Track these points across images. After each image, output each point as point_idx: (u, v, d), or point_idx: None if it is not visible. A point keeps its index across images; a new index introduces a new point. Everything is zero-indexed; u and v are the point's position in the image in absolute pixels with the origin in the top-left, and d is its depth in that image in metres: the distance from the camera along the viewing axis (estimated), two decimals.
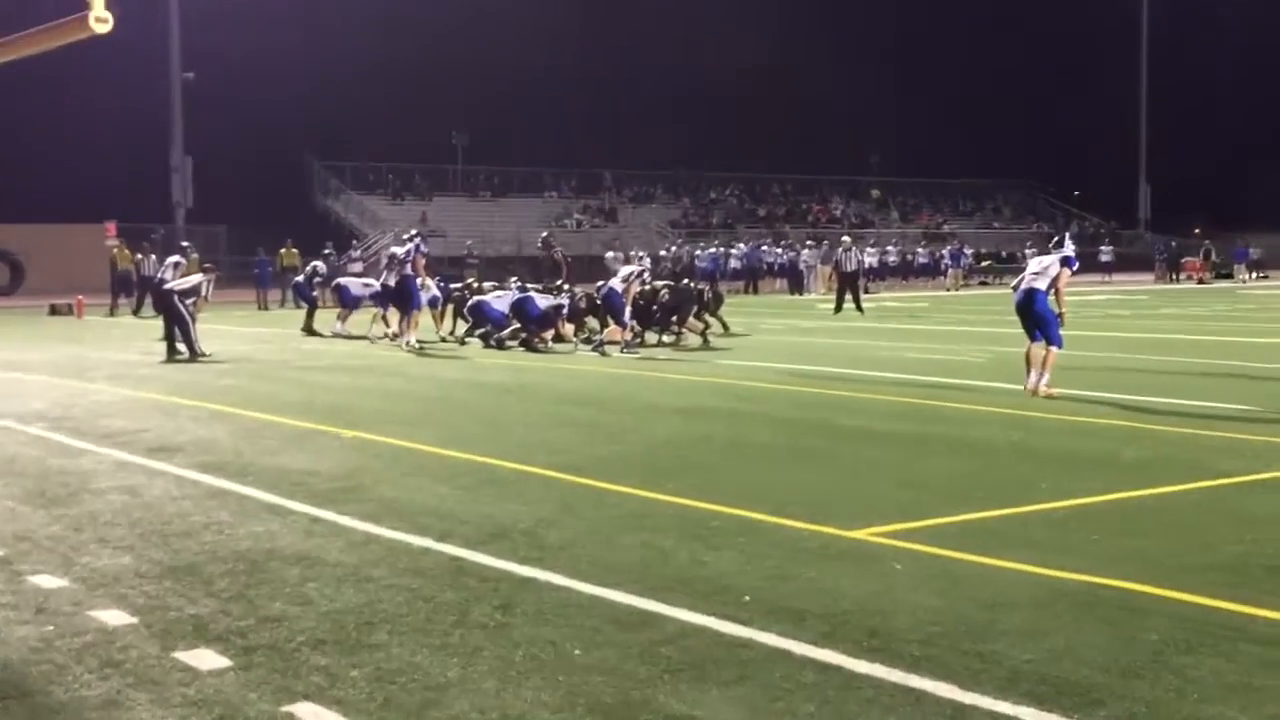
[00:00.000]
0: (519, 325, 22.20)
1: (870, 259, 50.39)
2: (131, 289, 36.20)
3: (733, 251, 52.39)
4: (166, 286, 21.24)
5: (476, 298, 23.44)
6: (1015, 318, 14.80)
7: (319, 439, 11.49)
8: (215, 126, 57.51)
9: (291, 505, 8.52)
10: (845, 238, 37.78)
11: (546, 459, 10.24)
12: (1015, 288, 14.78)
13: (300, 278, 29.22)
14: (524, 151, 68.29)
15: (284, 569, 6.89)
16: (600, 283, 23.77)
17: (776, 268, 51.77)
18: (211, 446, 11.12)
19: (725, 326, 24.96)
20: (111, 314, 35.78)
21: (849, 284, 34.14)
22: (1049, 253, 14.97)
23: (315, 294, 28.00)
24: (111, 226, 41.98)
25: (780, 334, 25.87)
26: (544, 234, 32.34)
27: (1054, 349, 14.15)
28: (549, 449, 10.77)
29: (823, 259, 47.32)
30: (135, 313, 34.86)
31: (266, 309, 38.78)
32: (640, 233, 65.12)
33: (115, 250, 37.25)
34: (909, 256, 58.70)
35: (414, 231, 24.23)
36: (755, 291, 48.64)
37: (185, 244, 27.69)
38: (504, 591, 6.41)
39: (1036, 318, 14.34)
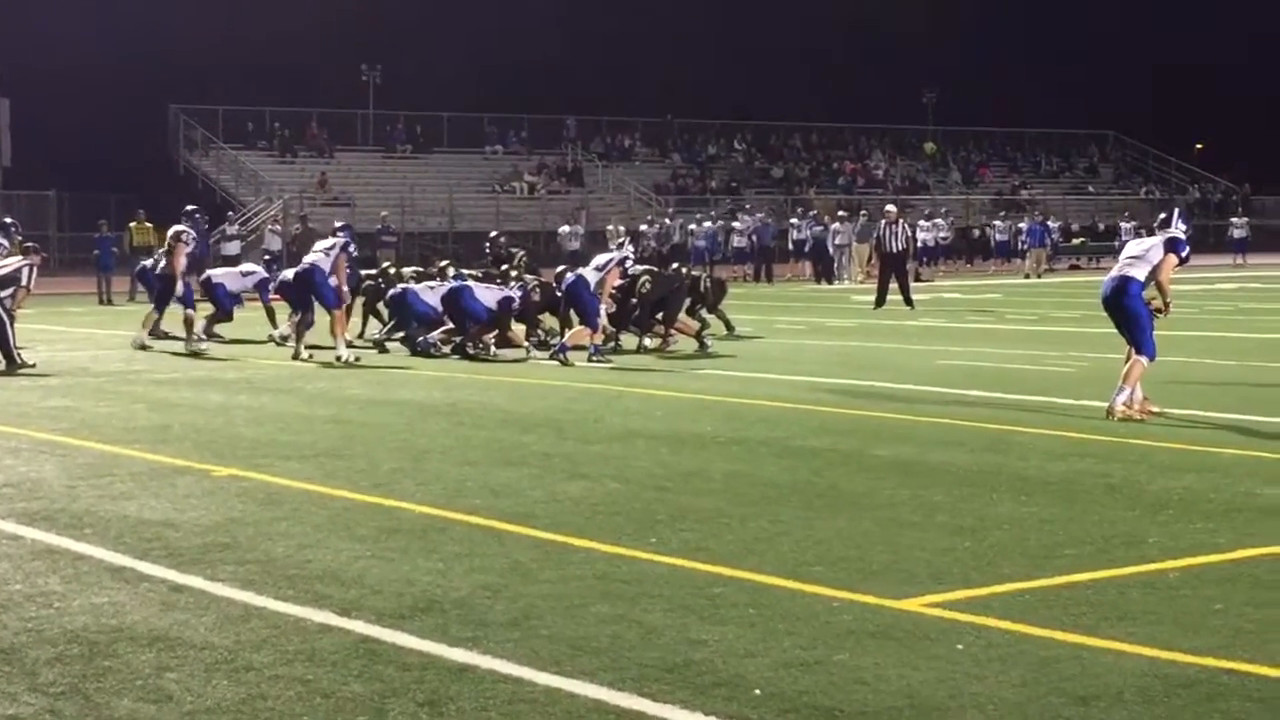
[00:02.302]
0: (453, 325, 22.19)
1: (923, 235, 50.53)
2: None
3: (737, 225, 52.49)
4: None
5: (401, 286, 23.42)
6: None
7: (182, 479, 11.46)
8: (40, 58, 57.36)
9: (145, 568, 8.50)
10: (890, 207, 37.94)
11: (488, 504, 10.23)
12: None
13: (148, 260, 28.15)
14: (457, 91, 68.24)
15: (135, 654, 6.87)
16: (562, 268, 23.79)
17: (798, 247, 51.95)
18: (37, 489, 11.07)
19: (728, 325, 25.04)
20: None
21: (894, 268, 34.23)
22: (1154, 233, 15.05)
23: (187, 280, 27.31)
24: None
25: (801, 335, 25.92)
26: (492, 233, 32.30)
27: (1142, 359, 14.20)
28: (492, 490, 10.76)
29: (859, 235, 47.45)
30: None
31: (110, 302, 38.76)
32: (614, 200, 65.42)
33: None
34: (974, 232, 58.90)
35: (341, 224, 24.15)
36: (769, 279, 48.80)
37: (8, 220, 27.20)
38: (431, 684, 6.41)
39: (1124, 315, 14.41)
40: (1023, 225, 56.19)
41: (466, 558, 8.66)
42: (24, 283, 20.87)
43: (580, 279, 21.51)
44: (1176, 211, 15.78)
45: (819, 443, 13.01)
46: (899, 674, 6.47)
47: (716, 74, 76.43)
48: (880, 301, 33.06)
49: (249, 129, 65.85)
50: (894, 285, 33.55)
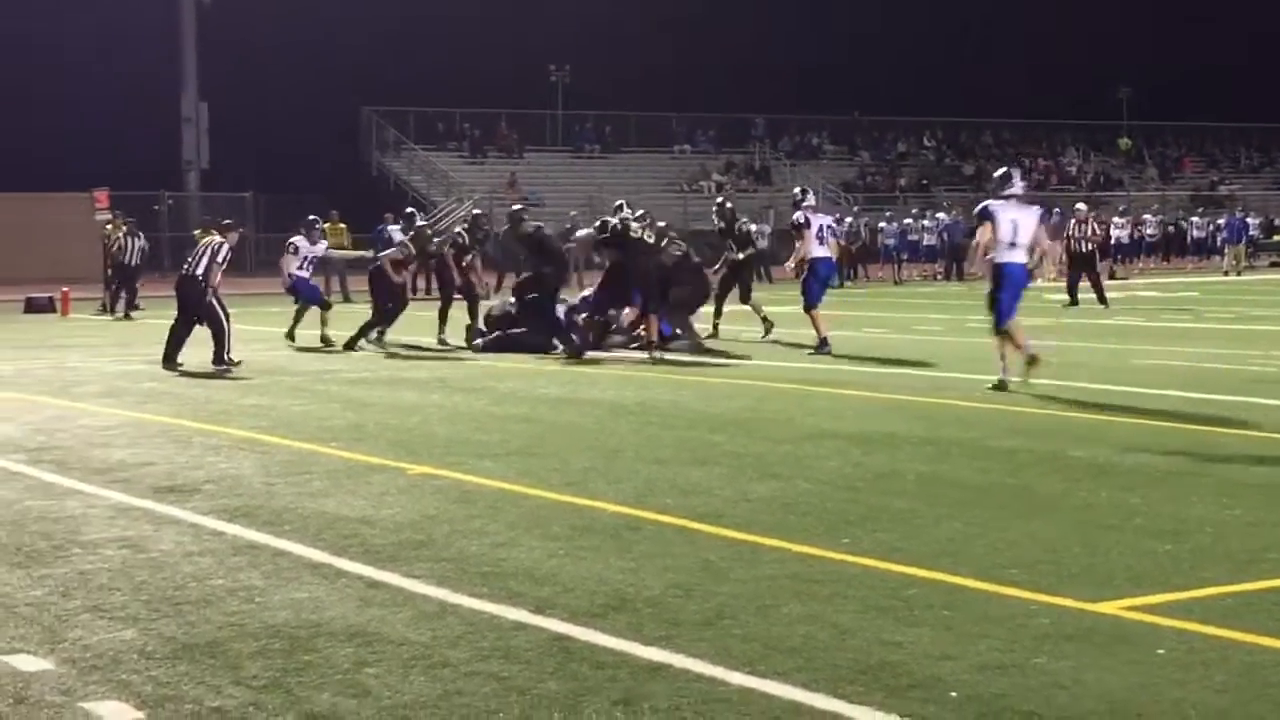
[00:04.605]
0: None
1: (1119, 232, 49.76)
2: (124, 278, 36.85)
3: (926, 224, 52.01)
4: (196, 274, 21.24)
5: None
6: None
7: (377, 476, 11.63)
8: (238, 65, 58.52)
9: (343, 564, 8.64)
10: (1080, 205, 37.44)
11: (680, 503, 10.26)
12: None
13: (298, 268, 26.03)
14: (645, 90, 68.35)
15: (334, 649, 6.99)
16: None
17: None
18: (237, 486, 11.31)
19: (766, 324, 24.69)
20: (107, 310, 36.51)
21: (1085, 267, 33.91)
22: None
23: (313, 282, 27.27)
24: (103, 195, 42.59)
25: (990, 335, 25.59)
26: (719, 198, 32.48)
27: None
28: (682, 489, 10.79)
29: (1052, 233, 46.78)
30: (110, 309, 35.69)
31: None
32: None
33: (109, 227, 37.81)
34: (1171, 228, 57.83)
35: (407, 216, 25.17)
36: (959, 276, 48.27)
37: (226, 220, 26.88)
38: (625, 683, 6.43)
39: None
40: (1220, 221, 55.09)
41: (658, 557, 8.69)
42: (218, 259, 21.16)
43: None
44: None
45: (1013, 443, 12.87)
46: (1098, 678, 6.38)
47: (905, 70, 75.84)
48: (1073, 300, 32.78)
49: (439, 130, 66.60)
50: (1087, 284, 33.21)
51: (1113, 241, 50.12)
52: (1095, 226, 35.40)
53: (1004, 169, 18.41)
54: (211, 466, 12.22)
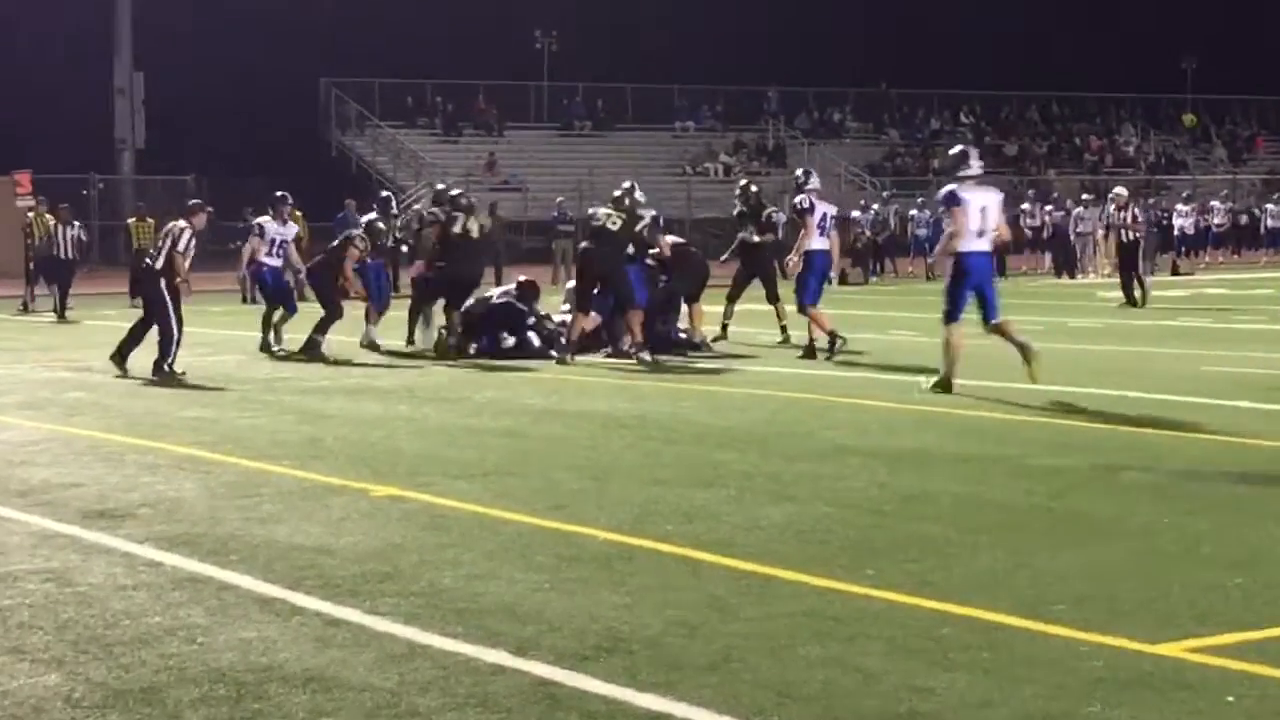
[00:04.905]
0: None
1: (1182, 221, 49.80)
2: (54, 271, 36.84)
3: None
4: (156, 266, 21.04)
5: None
6: None
7: (337, 499, 11.63)
8: (177, 29, 58.44)
9: (297, 599, 8.64)
10: (1119, 189, 37.40)
11: (681, 529, 10.26)
12: None
13: (267, 254, 25.42)
14: (642, 60, 68.43)
15: (287, 696, 6.98)
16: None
17: (1035, 235, 51.45)
18: (177, 510, 11.30)
19: (785, 331, 24.65)
20: (25, 309, 36.54)
21: (1127, 259, 34.00)
22: None
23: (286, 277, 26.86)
24: (24, 178, 42.64)
25: (1039, 338, 25.51)
26: (743, 180, 32.39)
27: None
28: (685, 514, 10.79)
29: (1108, 222, 46.93)
30: (28, 307, 35.64)
31: (255, 301, 39.30)
32: (822, 183, 64.77)
33: (32, 215, 37.84)
34: (1242, 217, 57.83)
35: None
36: (1001, 272, 48.23)
37: (193, 200, 25.60)
38: None
39: None
40: None
41: (657, 591, 8.68)
42: (179, 247, 20.93)
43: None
44: None
45: (1061, 461, 12.87)
46: None
47: (937, 37, 75.85)
48: (1129, 298, 32.84)
49: (409, 105, 66.61)
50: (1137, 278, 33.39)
51: (1175, 232, 50.19)
52: (1136, 213, 35.38)
53: (960, 148, 18.88)
54: (147, 488, 12.20)
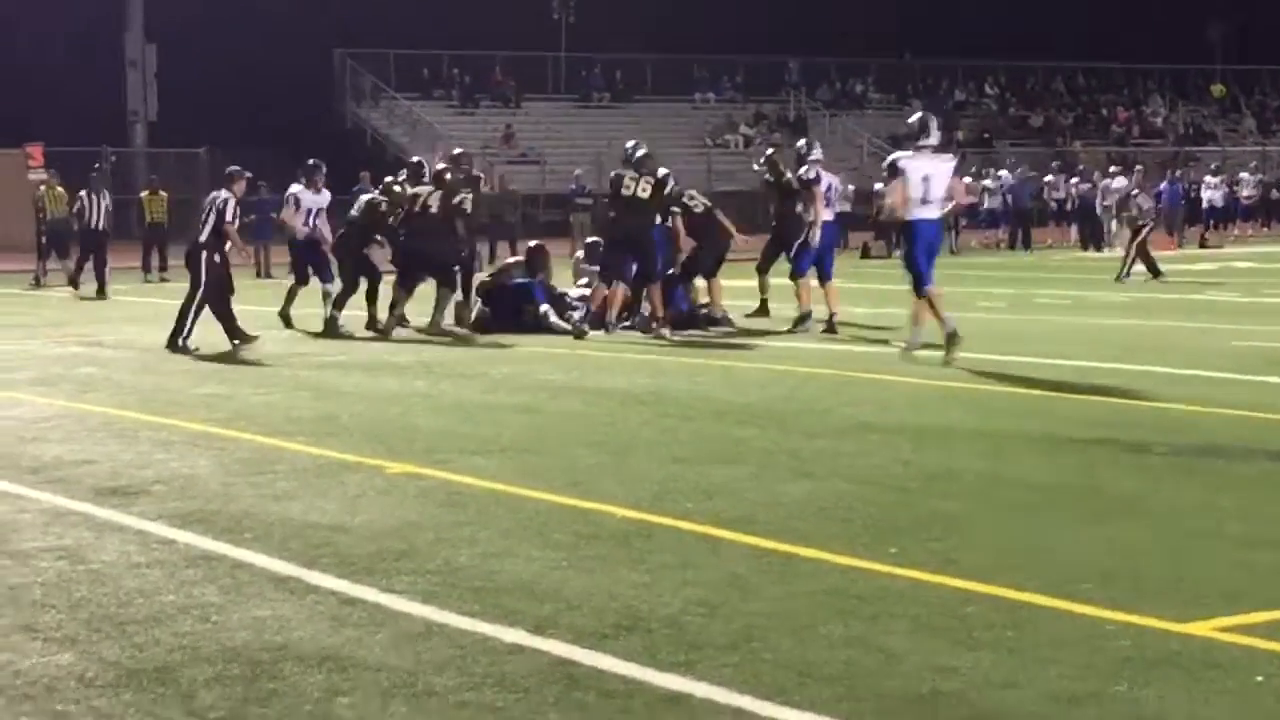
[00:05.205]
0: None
1: (1211, 193, 49.68)
2: (67, 246, 36.80)
3: (988, 184, 51.82)
4: (200, 240, 21.20)
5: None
6: None
7: (352, 476, 11.64)
8: (189, 4, 58.38)
9: (312, 578, 8.64)
10: (1113, 168, 37.21)
11: (701, 507, 10.26)
12: None
13: (304, 224, 24.86)
14: (662, 31, 68.28)
15: (302, 676, 6.99)
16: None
17: (1060, 208, 51.29)
18: (191, 487, 11.31)
19: (763, 304, 24.42)
20: (37, 284, 36.56)
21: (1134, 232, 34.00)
22: None
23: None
24: (36, 150, 42.66)
25: (1064, 311, 25.62)
26: (769, 150, 32.05)
27: None
28: (705, 491, 10.79)
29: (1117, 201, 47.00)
30: (73, 282, 35.52)
31: (269, 276, 39.38)
32: (844, 154, 64.77)
33: (44, 187, 37.82)
34: (1272, 190, 57.70)
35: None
36: (1027, 246, 48.24)
37: (232, 167, 24.53)
38: (638, 714, 6.43)
39: None
40: None
41: (677, 569, 8.68)
42: (226, 218, 21.01)
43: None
44: None
45: (1086, 437, 12.84)
46: (1187, 710, 6.38)
47: (961, 6, 75.57)
48: (1154, 271, 32.65)
49: (424, 76, 66.53)
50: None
51: (1204, 205, 50.07)
52: (1138, 183, 35.19)
53: (920, 115, 19.51)
54: (161, 465, 12.22)
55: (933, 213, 18.10)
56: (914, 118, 19.29)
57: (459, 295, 23.60)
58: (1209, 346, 19.60)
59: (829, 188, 22.72)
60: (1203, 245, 47.77)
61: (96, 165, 37.19)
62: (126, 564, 9.04)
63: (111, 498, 10.95)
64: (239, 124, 55.95)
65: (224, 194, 21.33)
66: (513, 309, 22.83)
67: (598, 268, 23.21)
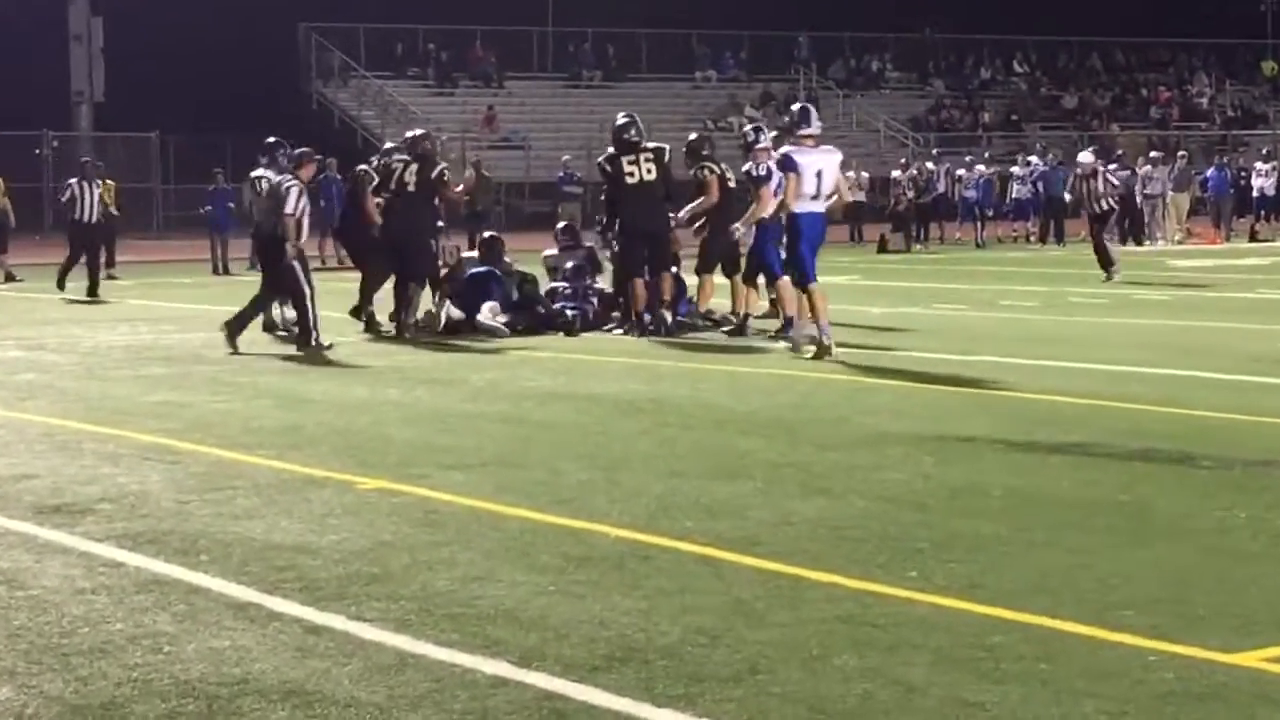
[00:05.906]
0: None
1: (1261, 181, 49.66)
2: (4, 239, 36.83)
3: (1017, 171, 51.81)
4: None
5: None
6: None
7: (319, 492, 11.64)
8: None
9: (275, 604, 8.65)
10: (1085, 155, 36.94)
11: (701, 526, 10.27)
12: None
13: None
14: (659, 3, 68.24)
15: (263, 711, 6.99)
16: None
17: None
18: (141, 505, 11.31)
19: (772, 304, 24.33)
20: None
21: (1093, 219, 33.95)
22: None
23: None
24: None
25: (1102, 311, 25.65)
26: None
27: None
28: (706, 508, 10.80)
29: (1177, 183, 47.03)
30: (59, 283, 35.31)
31: (226, 271, 39.45)
32: (860, 139, 65.01)
33: None
34: None
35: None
36: (1060, 239, 48.25)
37: (301, 149, 23.94)
38: None
39: None
40: None
41: (675, 594, 8.69)
42: (289, 210, 21.04)
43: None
44: None
45: (1125, 449, 12.86)
46: None
47: None
48: (1106, 265, 32.31)
49: (398, 53, 66.57)
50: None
51: (1255, 194, 50.05)
52: (1107, 178, 34.86)
53: (801, 105, 20.75)
54: (108, 480, 12.22)
55: (818, 206, 19.15)
56: (794, 107, 20.64)
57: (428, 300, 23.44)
58: (1260, 350, 19.60)
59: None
60: (1253, 238, 47.80)
61: (85, 159, 36.82)
62: (70, 589, 9.03)
63: (54, 516, 10.94)
64: (194, 106, 56.05)
65: (290, 181, 21.44)
66: (480, 299, 22.74)
67: (571, 263, 23.35)
